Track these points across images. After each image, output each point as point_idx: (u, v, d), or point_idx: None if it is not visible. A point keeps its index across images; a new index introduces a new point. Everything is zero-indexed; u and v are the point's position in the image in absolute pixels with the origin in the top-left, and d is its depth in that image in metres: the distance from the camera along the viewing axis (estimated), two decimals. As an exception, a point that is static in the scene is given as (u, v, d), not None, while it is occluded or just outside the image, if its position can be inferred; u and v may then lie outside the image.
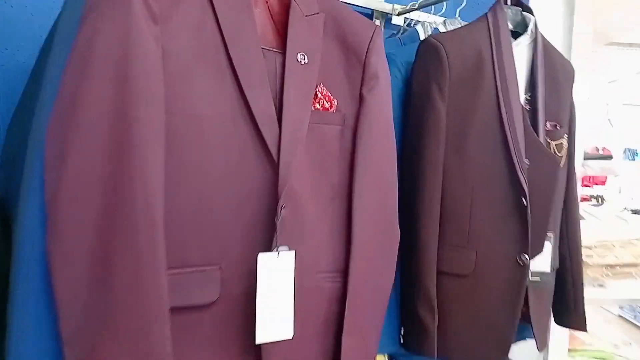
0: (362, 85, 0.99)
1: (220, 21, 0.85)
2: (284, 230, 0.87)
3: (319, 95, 0.94)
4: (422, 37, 1.46)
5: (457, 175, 1.22)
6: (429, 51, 1.23)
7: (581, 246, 1.45)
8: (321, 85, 0.94)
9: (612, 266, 1.77)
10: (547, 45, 1.38)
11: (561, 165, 1.35)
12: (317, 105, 0.94)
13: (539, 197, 1.22)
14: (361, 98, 0.99)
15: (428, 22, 1.47)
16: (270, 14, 0.95)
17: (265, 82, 0.87)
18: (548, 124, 1.36)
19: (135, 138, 0.74)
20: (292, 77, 0.90)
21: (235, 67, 0.85)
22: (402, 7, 1.56)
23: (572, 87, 1.44)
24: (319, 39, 0.95)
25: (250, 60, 0.86)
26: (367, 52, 0.99)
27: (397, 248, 1.06)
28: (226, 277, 0.86)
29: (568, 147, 1.41)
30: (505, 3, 1.34)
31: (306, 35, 0.93)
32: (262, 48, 0.89)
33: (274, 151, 0.86)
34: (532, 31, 1.34)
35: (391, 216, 1.04)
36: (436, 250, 1.21)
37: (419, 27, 1.46)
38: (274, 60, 0.91)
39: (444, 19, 1.51)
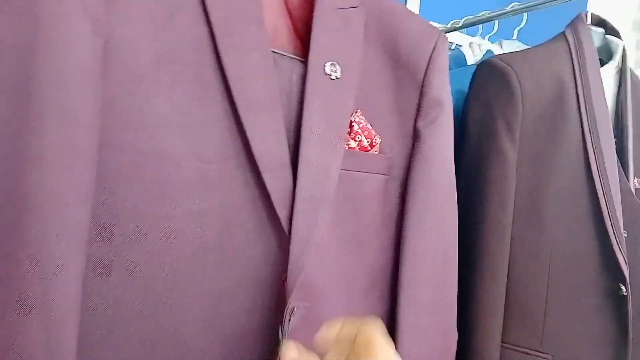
0: (417, 116, 0.65)
1: (207, 5, 0.52)
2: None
3: (355, 127, 0.60)
4: (470, 62, 1.14)
5: (528, 250, 0.88)
6: (494, 76, 0.90)
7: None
8: (358, 112, 0.61)
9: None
10: (634, 79, 1.07)
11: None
12: (352, 143, 0.60)
13: (641, 284, 0.88)
14: (416, 135, 0.65)
15: (477, 44, 1.15)
16: (287, 5, 0.62)
17: (276, 104, 0.53)
18: (637, 181, 1.03)
19: (36, 191, 0.40)
20: (317, 97, 0.56)
21: (228, 79, 0.51)
22: (442, 25, 1.24)
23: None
24: (358, 43, 0.62)
25: (252, 69, 0.53)
26: (427, 69, 0.65)
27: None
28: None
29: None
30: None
31: (339, 38, 0.60)
32: (273, 52, 0.56)
33: (283, 216, 0.52)
34: (619, 60, 1.02)
35: (450, 318, 0.69)
36: (497, 353, 0.86)
37: (465, 49, 1.14)
38: (291, 72, 0.58)
39: (497, 41, 1.19)
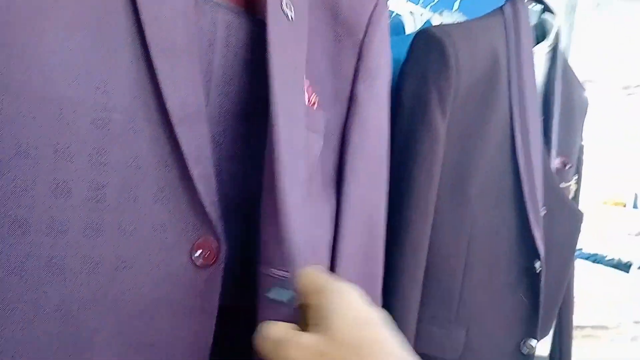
0: (355, 79, 0.61)
1: None
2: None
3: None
4: (408, 31, 1.11)
5: (450, 225, 0.88)
6: (430, 47, 0.87)
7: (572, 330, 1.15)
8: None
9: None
10: (565, 60, 1.08)
11: (571, 216, 1.05)
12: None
13: (555, 262, 0.91)
14: (352, 99, 0.61)
15: (418, 13, 1.13)
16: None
17: (194, 51, 0.47)
18: (558, 161, 1.05)
19: None
20: (280, 43, 0.50)
21: (142, 20, 0.45)
22: (381, -10, 1.20)
23: (584, 120, 1.14)
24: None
25: (170, 10, 0.46)
26: (367, 28, 0.61)
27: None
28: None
29: (576, 192, 1.11)
30: (524, -2, 1.01)
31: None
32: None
33: (196, 174, 0.47)
34: (552, 39, 1.03)
35: (375, 286, 0.67)
36: (414, 325, 0.86)
37: (405, 18, 1.11)
38: (214, 18, 0.51)
39: (437, 11, 1.17)
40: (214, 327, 0.50)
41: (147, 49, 0.44)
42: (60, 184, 0.42)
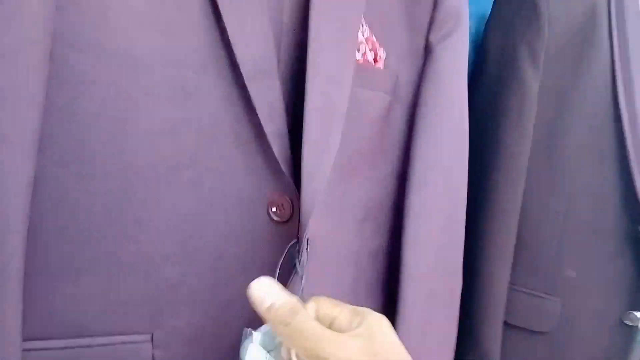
0: (430, 29, 0.58)
1: None
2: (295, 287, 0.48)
3: (359, 36, 0.53)
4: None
5: (545, 187, 0.82)
6: (519, -2, 0.81)
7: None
8: (363, 21, 0.54)
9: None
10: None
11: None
12: (358, 55, 0.53)
13: (663, 228, 0.82)
14: (428, 51, 0.58)
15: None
16: None
17: (264, 4, 0.46)
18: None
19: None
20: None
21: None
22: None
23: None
24: None
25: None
26: (443, -25, 0.58)
27: (458, 305, 0.67)
28: (165, 356, 0.47)
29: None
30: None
31: None
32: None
33: (269, 132, 0.46)
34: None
35: (457, 258, 0.64)
36: (505, 295, 0.82)
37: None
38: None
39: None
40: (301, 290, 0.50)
41: (215, 4, 0.44)
42: (138, 140, 0.44)
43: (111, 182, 0.44)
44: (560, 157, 0.81)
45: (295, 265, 0.48)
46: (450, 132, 0.59)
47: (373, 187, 0.57)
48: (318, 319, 0.38)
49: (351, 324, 0.37)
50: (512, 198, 0.81)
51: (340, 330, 0.37)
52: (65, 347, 0.44)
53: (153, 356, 0.47)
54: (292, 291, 0.45)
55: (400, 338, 0.55)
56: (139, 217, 0.45)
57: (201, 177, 0.46)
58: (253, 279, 0.49)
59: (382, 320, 0.37)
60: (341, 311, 0.38)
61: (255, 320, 0.49)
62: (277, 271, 0.48)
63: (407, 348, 0.48)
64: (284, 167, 0.47)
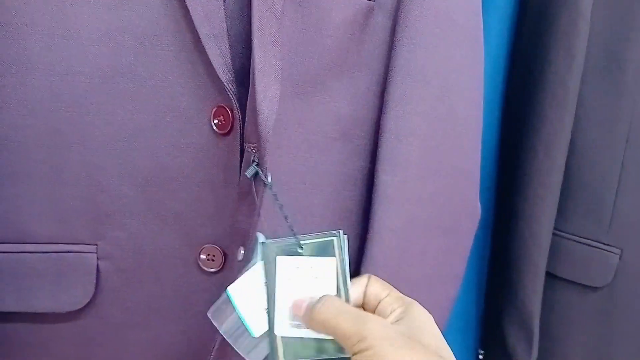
0: None
1: None
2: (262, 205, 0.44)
3: None
4: None
5: (601, 118, 0.70)
6: None
7: None
8: None
9: None
10: None
11: None
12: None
13: None
14: None
15: None
16: None
17: None
18: None
19: None
20: None
21: None
22: None
23: None
24: None
25: None
26: None
27: (472, 237, 0.60)
28: (109, 267, 0.47)
29: None
30: None
31: None
32: None
33: (203, 34, 0.43)
34: None
35: (464, 183, 0.56)
36: (548, 242, 0.72)
37: None
38: None
39: None
40: (237, 201, 0.46)
41: None
42: (73, 47, 0.43)
43: (48, 88, 0.43)
44: (619, 84, 0.68)
45: (252, 180, 0.44)
46: (452, 48, 0.51)
47: (349, 104, 0.51)
48: (366, 295, 0.41)
49: (393, 309, 0.39)
50: (559, 132, 0.69)
51: (381, 313, 0.40)
52: (9, 252, 0.45)
53: (98, 267, 0.47)
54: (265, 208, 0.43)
55: (376, 266, 0.51)
56: (77, 126, 0.44)
57: (139, 86, 0.44)
58: (195, 193, 0.47)
59: (427, 313, 0.39)
60: (389, 294, 0.41)
61: (200, 230, 0.47)
62: (237, 188, 0.45)
63: (384, 277, 0.44)
64: (221, 73, 0.43)
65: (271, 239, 0.43)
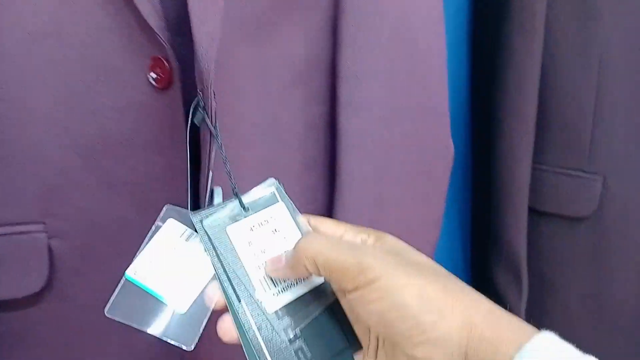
0: None
1: None
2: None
3: None
4: None
5: (573, 46, 0.67)
6: None
7: None
8: None
9: None
10: None
11: None
12: None
13: None
14: None
15: None
16: None
17: None
18: None
19: None
20: None
21: None
22: None
23: None
24: None
25: None
26: None
27: (447, 179, 0.57)
28: (62, 246, 0.44)
29: None
30: None
31: None
32: None
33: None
34: None
35: (433, 121, 0.54)
36: (528, 175, 0.69)
37: None
38: None
39: None
40: (187, 162, 0.43)
41: None
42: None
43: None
44: (592, 11, 0.64)
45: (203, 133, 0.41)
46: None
47: (302, 45, 0.47)
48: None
49: (364, 240, 0.34)
50: (529, 64, 0.66)
51: None
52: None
53: (49, 246, 0.44)
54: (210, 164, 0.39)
55: (349, 216, 0.48)
56: (11, 98, 0.41)
57: (67, 45, 0.41)
58: (142, 157, 0.43)
59: (402, 241, 0.34)
60: (346, 230, 0.36)
61: (153, 196, 0.44)
62: (186, 141, 0.42)
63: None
64: (151, 20, 0.39)
65: (204, 210, 0.37)
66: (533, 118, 0.67)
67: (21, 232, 0.43)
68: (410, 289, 0.28)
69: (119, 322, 0.47)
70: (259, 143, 0.47)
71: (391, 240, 0.33)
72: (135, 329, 0.47)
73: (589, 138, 0.67)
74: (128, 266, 0.46)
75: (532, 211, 0.71)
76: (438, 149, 0.54)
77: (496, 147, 0.70)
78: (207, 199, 0.39)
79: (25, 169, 0.42)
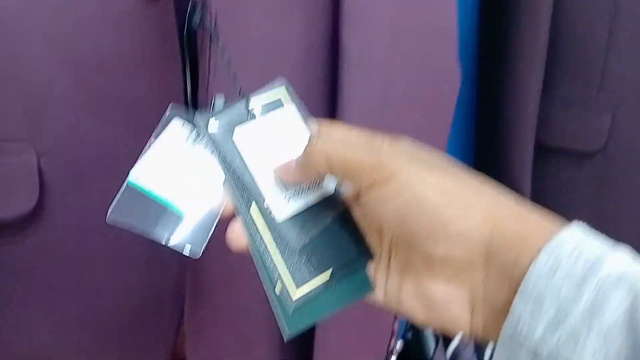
0: None
1: None
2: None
3: None
4: None
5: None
6: None
7: None
8: None
9: None
10: None
11: None
12: None
13: None
14: None
15: None
16: None
17: None
18: None
19: None
20: None
21: None
22: None
23: None
24: None
25: None
26: None
27: (453, 107, 0.55)
28: (52, 165, 0.42)
29: None
30: None
31: None
32: None
33: None
34: None
35: (440, 42, 0.51)
36: (536, 108, 0.67)
37: None
38: None
39: None
40: (183, 78, 0.41)
41: None
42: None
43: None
44: None
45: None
46: None
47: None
48: None
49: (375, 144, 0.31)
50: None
51: None
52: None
53: (39, 166, 0.42)
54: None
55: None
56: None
57: None
58: (134, 72, 0.41)
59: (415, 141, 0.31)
60: (359, 134, 0.32)
61: (148, 114, 0.41)
62: (182, 51, 0.39)
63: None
64: None
65: (209, 113, 0.35)
66: (544, 48, 0.65)
67: (9, 150, 0.41)
68: (431, 182, 0.26)
69: (111, 243, 0.46)
70: (256, 61, 0.45)
71: (408, 141, 0.31)
72: (127, 249, 0.46)
73: (600, 71, 0.65)
74: (120, 187, 0.44)
75: (538, 146, 0.69)
76: (445, 73, 0.52)
77: (504, 77, 0.68)
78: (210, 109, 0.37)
79: (9, 82, 0.40)
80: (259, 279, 0.31)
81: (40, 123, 0.41)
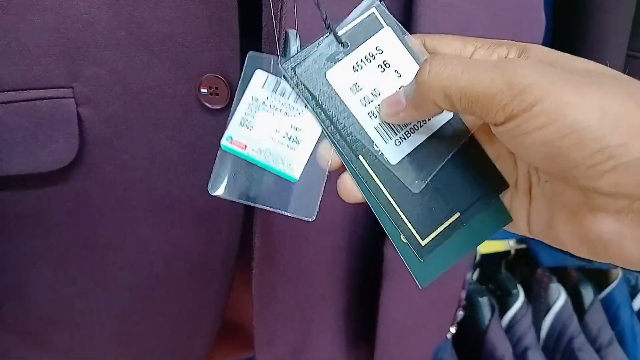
0: None
1: None
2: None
3: None
4: None
5: None
6: None
7: None
8: None
9: None
10: None
11: None
12: None
13: None
14: None
15: None
16: None
17: None
18: None
19: None
20: None
21: None
22: None
23: None
24: None
25: None
26: None
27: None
28: (93, 114, 0.38)
29: None
30: None
31: None
32: None
33: None
34: None
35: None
36: (622, 64, 0.60)
37: None
38: None
39: None
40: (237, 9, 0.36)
41: None
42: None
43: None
44: None
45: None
46: None
47: None
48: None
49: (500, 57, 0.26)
50: None
51: None
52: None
53: (79, 115, 0.38)
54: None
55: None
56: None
57: None
58: (183, 7, 0.36)
59: (550, 49, 0.26)
60: (476, 47, 0.27)
61: (195, 56, 0.37)
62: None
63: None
64: None
65: (293, 56, 0.30)
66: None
67: (46, 98, 0.37)
68: (588, 105, 0.20)
69: (157, 200, 0.42)
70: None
71: (541, 50, 0.25)
72: (174, 208, 0.43)
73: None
74: (164, 141, 0.40)
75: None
76: (531, 15, 0.46)
77: (590, 34, 0.60)
78: (280, 48, 0.32)
79: (44, 22, 0.35)
80: (332, 239, 0.28)
81: (79, 68, 0.37)
